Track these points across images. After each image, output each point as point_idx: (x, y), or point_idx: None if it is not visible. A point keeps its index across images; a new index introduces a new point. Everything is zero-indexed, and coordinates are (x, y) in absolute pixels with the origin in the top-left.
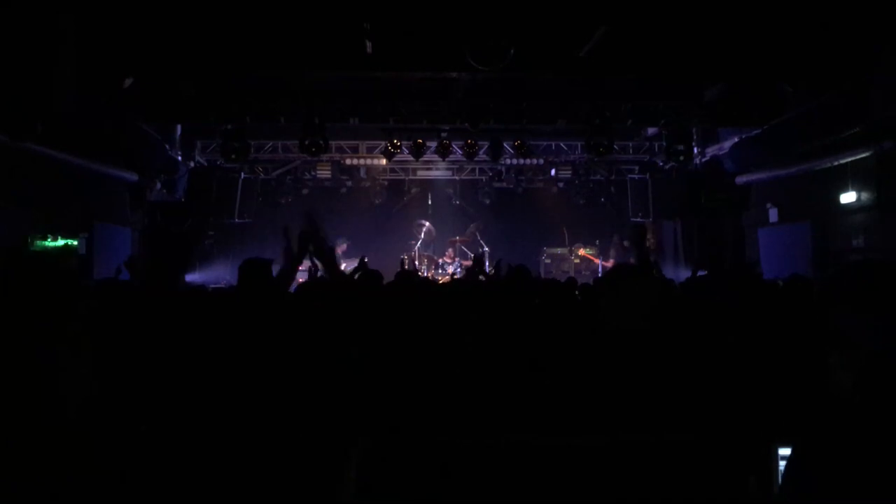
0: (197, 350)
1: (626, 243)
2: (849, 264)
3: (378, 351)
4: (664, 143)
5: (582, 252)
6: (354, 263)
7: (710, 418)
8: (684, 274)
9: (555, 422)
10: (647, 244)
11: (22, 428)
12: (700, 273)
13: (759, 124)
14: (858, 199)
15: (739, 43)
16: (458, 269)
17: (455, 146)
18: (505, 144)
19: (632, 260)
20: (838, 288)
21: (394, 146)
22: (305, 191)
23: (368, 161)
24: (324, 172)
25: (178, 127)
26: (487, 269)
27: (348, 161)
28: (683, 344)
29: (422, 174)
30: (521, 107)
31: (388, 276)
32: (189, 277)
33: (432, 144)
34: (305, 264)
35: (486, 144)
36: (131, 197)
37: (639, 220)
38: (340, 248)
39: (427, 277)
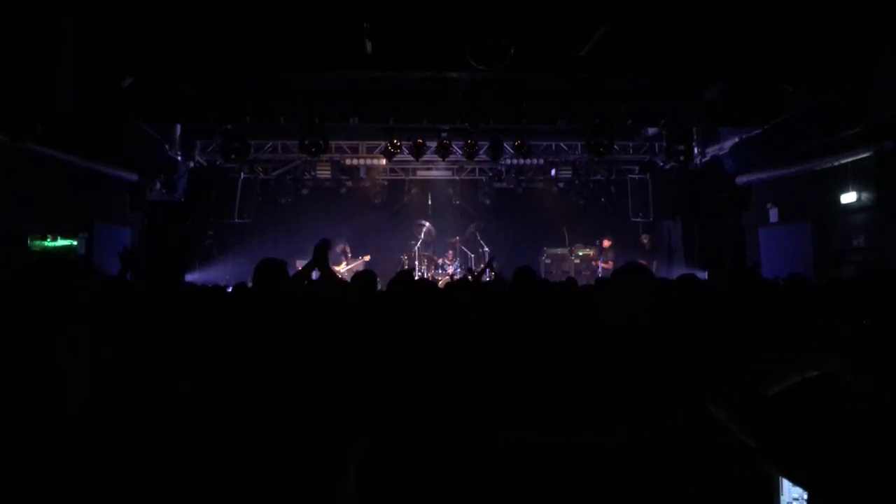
0: (199, 349)
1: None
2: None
3: (377, 351)
4: (664, 143)
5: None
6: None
7: (709, 417)
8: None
9: (554, 421)
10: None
11: (22, 427)
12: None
13: (760, 124)
14: (858, 199)
15: (739, 43)
16: (458, 270)
17: (455, 146)
18: (505, 144)
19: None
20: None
21: (394, 146)
22: (305, 191)
23: (368, 161)
24: (324, 172)
25: (178, 127)
26: (487, 271)
27: (348, 161)
28: (682, 343)
29: (422, 174)
30: (521, 107)
31: (388, 276)
32: (189, 277)
33: (432, 144)
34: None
35: (486, 144)
36: (131, 197)
37: (639, 220)
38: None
39: (426, 277)
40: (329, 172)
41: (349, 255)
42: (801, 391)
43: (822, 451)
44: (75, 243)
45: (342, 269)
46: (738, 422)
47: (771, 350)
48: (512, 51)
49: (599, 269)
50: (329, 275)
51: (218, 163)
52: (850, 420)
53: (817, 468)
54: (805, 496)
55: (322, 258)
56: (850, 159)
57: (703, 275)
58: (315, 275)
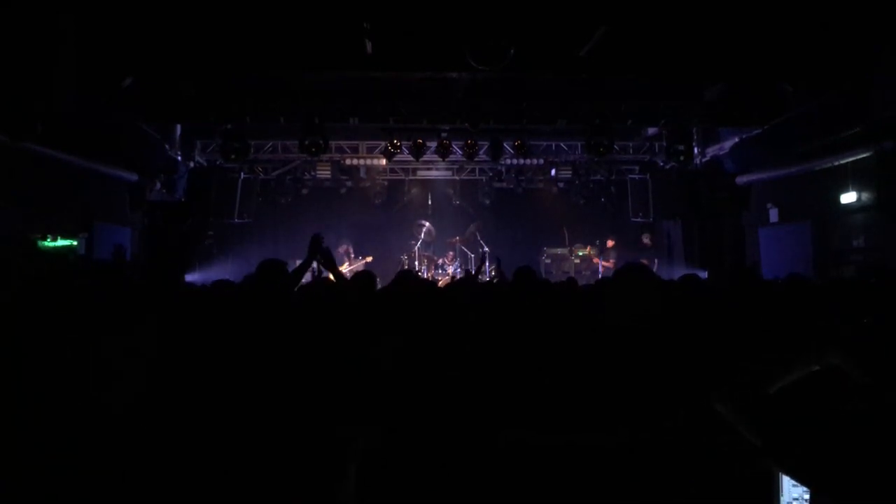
0: (197, 348)
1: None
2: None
3: (377, 351)
4: (664, 143)
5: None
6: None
7: (709, 417)
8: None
9: (554, 421)
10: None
11: (23, 427)
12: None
13: (760, 124)
14: (858, 199)
15: (739, 43)
16: (458, 270)
17: (455, 146)
18: (505, 144)
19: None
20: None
21: (394, 146)
22: (305, 191)
23: (368, 161)
24: (324, 172)
25: (178, 127)
26: (488, 271)
27: (348, 161)
28: (682, 343)
29: (422, 174)
30: (521, 107)
31: (388, 276)
32: (189, 277)
33: (432, 144)
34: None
35: (486, 144)
36: (131, 197)
37: (639, 220)
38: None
39: (427, 278)
40: (329, 172)
41: (352, 255)
42: (805, 389)
43: (825, 449)
44: (75, 243)
45: (343, 269)
46: (743, 419)
47: (771, 350)
48: (512, 51)
49: (600, 268)
50: (333, 268)
51: (218, 163)
52: (851, 419)
53: (820, 466)
54: (805, 497)
55: (316, 253)
56: (850, 159)
57: (703, 274)
58: (309, 277)
